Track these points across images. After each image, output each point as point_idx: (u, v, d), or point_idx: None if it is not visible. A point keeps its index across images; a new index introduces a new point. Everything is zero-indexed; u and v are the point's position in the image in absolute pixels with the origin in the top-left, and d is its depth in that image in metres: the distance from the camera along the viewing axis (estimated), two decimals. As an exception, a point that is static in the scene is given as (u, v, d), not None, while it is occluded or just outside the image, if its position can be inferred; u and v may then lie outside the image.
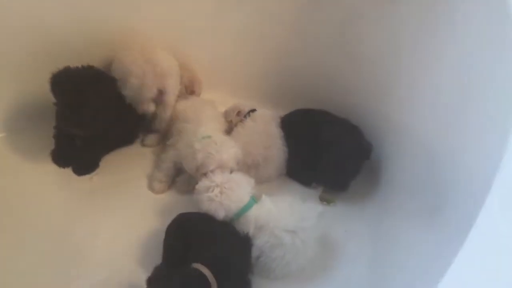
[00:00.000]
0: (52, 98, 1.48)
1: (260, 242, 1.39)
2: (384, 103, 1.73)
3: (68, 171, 1.68)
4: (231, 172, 1.53)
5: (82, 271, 1.36)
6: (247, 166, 1.71)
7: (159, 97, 1.72)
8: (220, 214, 1.40)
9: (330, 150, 1.71)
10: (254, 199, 1.46)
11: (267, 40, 1.97)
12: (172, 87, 1.75)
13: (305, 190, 1.78)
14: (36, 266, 1.37)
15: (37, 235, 1.45)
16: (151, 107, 1.71)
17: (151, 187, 1.67)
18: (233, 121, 1.86)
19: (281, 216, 1.41)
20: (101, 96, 1.50)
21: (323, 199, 1.73)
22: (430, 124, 1.48)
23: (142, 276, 1.18)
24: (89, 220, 1.51)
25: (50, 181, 1.65)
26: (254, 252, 1.39)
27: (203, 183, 1.45)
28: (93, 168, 1.70)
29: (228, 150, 1.53)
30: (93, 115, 1.48)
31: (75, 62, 1.53)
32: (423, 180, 1.48)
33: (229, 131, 1.83)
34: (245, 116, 1.85)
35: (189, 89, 1.97)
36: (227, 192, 1.41)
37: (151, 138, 1.84)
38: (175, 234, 1.36)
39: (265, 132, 1.77)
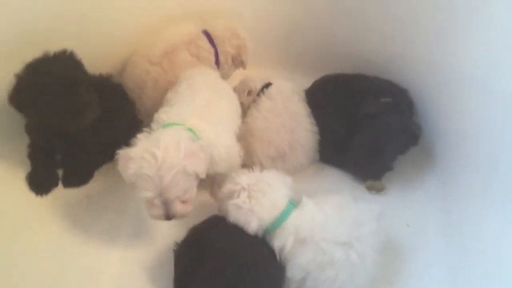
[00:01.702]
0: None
1: (303, 260, 1.08)
2: (438, 50, 1.35)
3: (55, 194, 1.35)
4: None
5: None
6: (271, 159, 1.37)
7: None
8: (252, 225, 1.10)
9: (364, 127, 1.37)
10: (293, 203, 1.15)
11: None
12: None
13: (347, 177, 1.45)
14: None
15: (32, 274, 1.17)
16: None
17: None
18: (244, 103, 1.48)
19: (329, 224, 1.10)
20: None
21: (371, 188, 1.40)
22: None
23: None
24: (90, 249, 1.25)
25: (37, 206, 1.31)
26: (298, 274, 1.10)
27: (226, 187, 1.16)
28: (85, 178, 1.37)
29: (173, 167, 1.03)
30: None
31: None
32: (493, 148, 1.16)
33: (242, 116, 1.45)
34: (258, 94, 1.47)
35: (237, 61, 1.57)
36: (258, 196, 1.11)
37: None
38: (187, 251, 1.12)
39: (287, 112, 1.41)
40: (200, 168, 1.07)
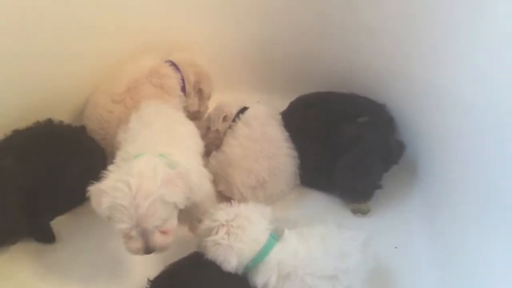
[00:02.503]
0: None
1: (289, 298, 1.03)
2: (418, 64, 1.31)
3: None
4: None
5: None
6: (251, 188, 1.32)
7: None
8: (232, 262, 1.04)
9: (346, 149, 1.32)
10: (275, 237, 1.10)
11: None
12: None
13: (330, 200, 1.40)
14: None
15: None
16: None
17: None
18: (220, 130, 1.43)
19: (314, 258, 1.05)
20: None
21: (356, 211, 1.35)
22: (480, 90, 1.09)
23: None
24: None
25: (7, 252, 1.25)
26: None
27: (204, 224, 1.11)
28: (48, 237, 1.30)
29: (149, 195, 0.96)
30: None
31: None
32: (477, 161, 1.12)
33: (218, 144, 1.40)
34: (234, 120, 1.42)
35: (196, 88, 1.53)
36: (237, 232, 1.06)
37: None
38: None
39: (264, 137, 1.36)
40: (179, 197, 1.01)
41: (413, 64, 1.33)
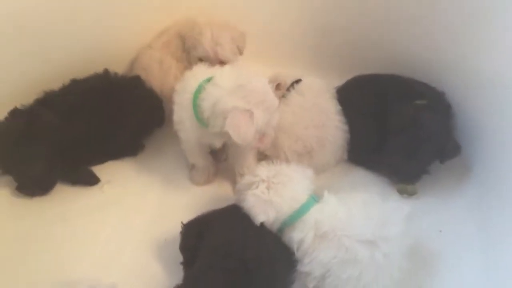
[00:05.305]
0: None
1: (324, 257, 1.02)
2: (482, 55, 1.26)
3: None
4: None
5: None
6: (298, 154, 1.32)
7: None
8: (271, 215, 1.05)
9: (400, 129, 1.28)
10: (315, 198, 1.09)
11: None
12: None
13: (376, 179, 1.38)
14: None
15: (52, 263, 1.19)
16: None
17: (191, 180, 1.38)
18: (273, 97, 1.44)
19: (354, 221, 1.03)
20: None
21: (403, 191, 1.31)
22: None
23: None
24: (106, 236, 1.26)
25: (55, 200, 1.32)
26: (318, 270, 1.03)
27: (245, 179, 1.12)
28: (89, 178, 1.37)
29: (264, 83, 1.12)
30: None
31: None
32: None
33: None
34: (288, 89, 1.44)
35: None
36: (277, 187, 1.07)
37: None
38: (191, 232, 1.10)
39: (316, 108, 1.36)
40: None
41: (481, 58, 1.28)
